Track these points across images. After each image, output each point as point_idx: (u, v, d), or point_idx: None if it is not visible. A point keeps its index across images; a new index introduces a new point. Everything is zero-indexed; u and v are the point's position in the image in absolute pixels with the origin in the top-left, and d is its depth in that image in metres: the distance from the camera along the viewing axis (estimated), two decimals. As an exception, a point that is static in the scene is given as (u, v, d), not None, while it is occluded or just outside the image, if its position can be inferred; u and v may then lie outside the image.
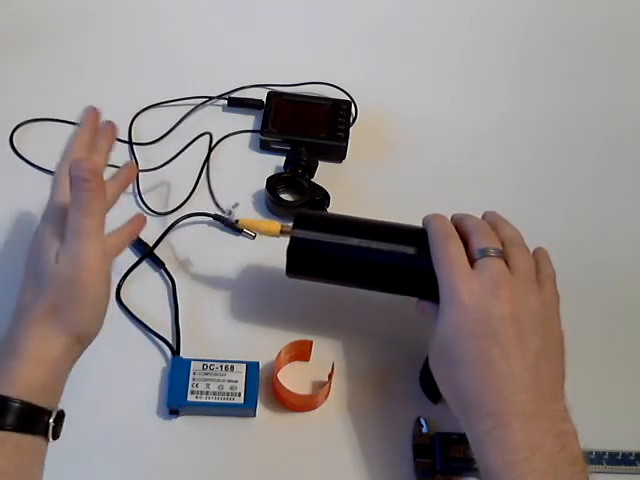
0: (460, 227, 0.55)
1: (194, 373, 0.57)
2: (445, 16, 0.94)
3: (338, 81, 0.80)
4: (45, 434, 0.47)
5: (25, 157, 0.72)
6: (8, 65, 0.81)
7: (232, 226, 0.68)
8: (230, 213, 0.69)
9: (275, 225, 0.58)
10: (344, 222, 0.58)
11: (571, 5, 0.96)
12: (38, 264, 0.50)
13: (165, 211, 0.69)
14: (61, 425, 0.49)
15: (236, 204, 0.70)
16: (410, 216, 0.57)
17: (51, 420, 0.47)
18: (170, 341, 0.61)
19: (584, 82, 0.88)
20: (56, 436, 0.48)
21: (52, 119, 0.75)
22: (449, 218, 0.56)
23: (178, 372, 0.57)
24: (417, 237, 0.55)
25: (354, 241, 0.56)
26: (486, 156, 0.79)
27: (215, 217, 0.68)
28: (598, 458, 0.57)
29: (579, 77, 0.88)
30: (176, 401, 0.56)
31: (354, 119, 0.78)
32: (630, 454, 0.57)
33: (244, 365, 0.58)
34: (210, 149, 0.75)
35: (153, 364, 0.60)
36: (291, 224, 0.57)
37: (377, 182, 0.75)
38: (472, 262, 0.52)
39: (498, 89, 0.86)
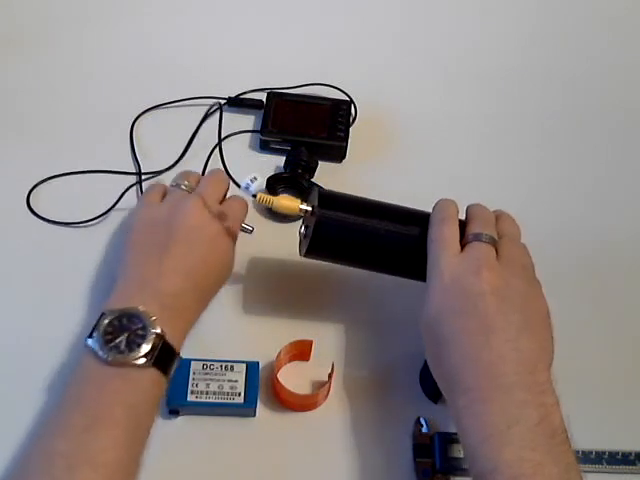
0: (467, 214, 0.57)
1: (194, 373, 0.57)
2: (445, 16, 0.94)
3: (338, 81, 0.80)
4: (169, 374, 0.52)
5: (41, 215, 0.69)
6: (8, 65, 0.81)
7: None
8: (247, 187, 0.64)
9: (295, 202, 0.57)
10: (366, 204, 0.58)
11: (572, 5, 0.96)
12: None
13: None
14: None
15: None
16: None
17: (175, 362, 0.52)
18: None
19: (584, 82, 0.88)
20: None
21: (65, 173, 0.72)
22: (455, 202, 0.58)
23: (178, 372, 0.56)
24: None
25: (376, 223, 0.56)
26: (486, 156, 0.79)
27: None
28: (598, 458, 0.57)
29: (579, 77, 0.88)
30: (176, 401, 0.56)
31: (354, 119, 0.78)
32: (630, 454, 0.57)
33: (244, 365, 0.58)
34: (212, 149, 0.75)
35: None
36: (309, 203, 0.57)
37: (377, 182, 0.74)
38: (464, 246, 0.54)
39: (498, 89, 0.86)
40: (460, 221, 0.56)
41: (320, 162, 0.73)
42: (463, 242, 0.54)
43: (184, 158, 0.74)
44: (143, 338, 0.49)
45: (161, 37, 0.86)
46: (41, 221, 0.68)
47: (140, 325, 0.50)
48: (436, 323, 0.51)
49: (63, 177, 0.71)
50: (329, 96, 0.78)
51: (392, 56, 0.88)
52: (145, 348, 0.49)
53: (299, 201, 0.57)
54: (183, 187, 0.62)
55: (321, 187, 0.62)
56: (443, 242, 0.54)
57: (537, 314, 0.52)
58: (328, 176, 0.73)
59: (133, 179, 0.72)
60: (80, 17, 0.87)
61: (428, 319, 0.52)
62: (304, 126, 0.76)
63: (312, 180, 0.72)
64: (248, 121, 0.79)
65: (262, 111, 0.77)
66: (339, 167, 0.76)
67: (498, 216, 0.57)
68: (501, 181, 0.76)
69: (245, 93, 0.80)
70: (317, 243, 0.56)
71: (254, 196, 0.57)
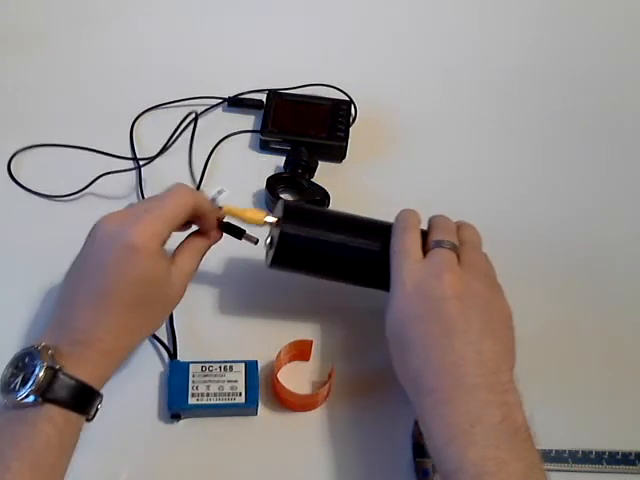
0: (429, 224, 0.58)
1: (193, 376, 0.57)
2: (445, 16, 0.94)
3: (338, 81, 0.80)
4: (89, 414, 0.49)
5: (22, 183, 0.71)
6: (8, 65, 0.81)
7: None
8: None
9: (260, 214, 0.58)
10: (330, 216, 0.60)
11: (572, 5, 0.96)
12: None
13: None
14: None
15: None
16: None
17: (99, 404, 0.49)
18: (167, 344, 0.60)
19: (584, 81, 0.88)
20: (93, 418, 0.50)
21: (50, 144, 0.74)
22: (417, 213, 0.58)
23: (177, 376, 0.57)
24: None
25: (340, 235, 0.57)
26: (486, 155, 0.79)
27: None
28: (598, 458, 0.57)
29: (580, 77, 0.88)
30: (177, 405, 0.56)
31: (354, 119, 0.78)
32: (630, 454, 0.57)
33: (243, 364, 0.58)
34: (211, 149, 0.75)
35: (150, 369, 0.59)
36: (274, 215, 0.58)
37: (377, 182, 0.75)
38: (426, 253, 0.54)
39: (498, 89, 0.86)
40: (422, 231, 0.57)
41: (320, 162, 0.73)
42: (425, 249, 0.55)
43: (182, 155, 0.74)
44: (32, 374, 0.46)
45: (161, 37, 0.86)
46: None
47: (34, 362, 0.47)
48: (400, 329, 0.52)
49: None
50: (329, 96, 0.78)
51: (392, 56, 0.88)
52: (34, 385, 0.46)
53: (265, 213, 0.58)
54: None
55: (287, 200, 0.64)
56: (405, 250, 0.55)
57: (499, 317, 0.52)
58: (328, 176, 0.73)
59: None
60: (80, 17, 0.87)
61: (392, 326, 0.53)
62: (304, 126, 0.76)
63: (312, 180, 0.72)
64: (248, 121, 0.79)
65: (262, 111, 0.77)
66: (339, 167, 0.76)
67: (460, 225, 0.58)
68: (501, 181, 0.76)
69: (245, 93, 0.80)
70: (281, 255, 0.57)
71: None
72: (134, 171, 0.72)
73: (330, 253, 0.58)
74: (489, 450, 0.45)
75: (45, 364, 0.46)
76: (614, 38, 0.94)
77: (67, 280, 0.53)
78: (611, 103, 0.85)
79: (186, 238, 0.57)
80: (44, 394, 0.46)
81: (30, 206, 0.69)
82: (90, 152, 0.72)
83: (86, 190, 0.69)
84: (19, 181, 0.71)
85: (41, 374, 0.46)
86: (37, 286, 0.63)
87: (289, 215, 0.57)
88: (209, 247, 0.58)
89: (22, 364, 0.47)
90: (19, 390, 0.46)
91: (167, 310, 0.57)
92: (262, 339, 0.61)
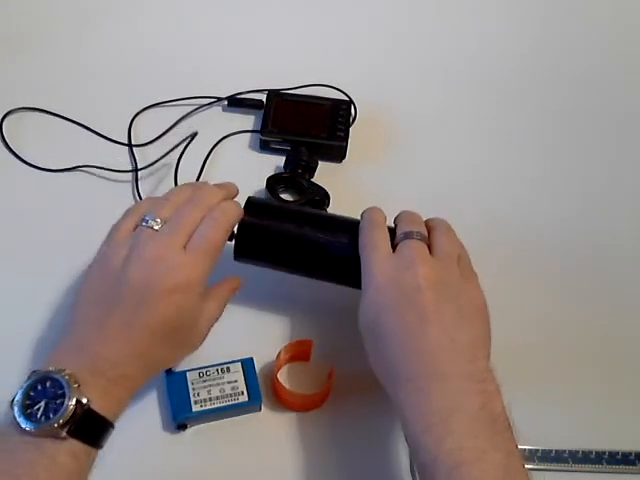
0: (395, 219, 0.58)
1: (192, 383, 0.57)
2: (445, 16, 0.94)
3: (338, 81, 0.79)
4: (103, 446, 0.47)
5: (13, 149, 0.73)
6: (8, 65, 0.81)
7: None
8: None
9: None
10: (294, 211, 0.61)
11: (572, 4, 0.96)
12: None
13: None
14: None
15: None
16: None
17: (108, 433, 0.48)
18: None
19: (584, 82, 0.88)
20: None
21: (44, 110, 0.76)
22: (382, 210, 0.58)
23: (176, 386, 0.56)
24: (356, 228, 0.57)
25: (298, 230, 0.58)
26: (486, 155, 0.79)
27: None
28: (598, 458, 0.57)
29: (580, 77, 0.88)
30: (182, 415, 0.56)
31: (354, 119, 0.78)
32: (630, 454, 0.57)
33: (239, 364, 0.58)
34: (210, 149, 0.75)
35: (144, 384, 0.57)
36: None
37: (377, 182, 0.75)
38: (396, 246, 0.54)
39: (498, 89, 0.86)
40: (389, 227, 0.57)
41: (320, 162, 0.73)
42: (395, 243, 0.54)
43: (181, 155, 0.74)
44: (61, 406, 0.44)
45: (161, 36, 0.86)
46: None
47: (61, 392, 0.45)
48: (374, 322, 0.52)
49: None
50: (329, 96, 0.78)
51: (392, 56, 0.88)
52: (62, 418, 0.44)
53: None
54: (151, 223, 0.51)
55: (258, 197, 0.64)
56: (373, 245, 0.54)
57: (472, 305, 0.52)
58: (328, 176, 0.73)
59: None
60: (80, 16, 0.87)
61: (366, 318, 0.53)
62: (304, 126, 0.75)
63: (312, 180, 0.72)
64: (248, 121, 0.79)
65: (262, 111, 0.77)
66: (339, 167, 0.76)
67: (428, 218, 0.58)
68: (500, 181, 0.76)
69: (245, 93, 0.80)
70: (241, 247, 0.58)
71: None
72: (130, 173, 0.72)
73: (291, 246, 0.58)
74: (467, 439, 0.45)
75: (74, 397, 0.45)
76: (614, 38, 0.94)
77: (96, 297, 0.50)
78: (611, 103, 0.85)
79: (216, 283, 0.56)
80: (71, 428, 0.44)
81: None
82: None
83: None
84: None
85: (70, 407, 0.44)
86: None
87: (250, 209, 0.58)
88: (234, 293, 0.57)
89: (42, 388, 0.45)
90: (44, 419, 0.44)
91: (184, 354, 0.55)
92: (262, 339, 0.61)
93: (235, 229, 0.57)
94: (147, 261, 0.49)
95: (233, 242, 0.58)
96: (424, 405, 0.47)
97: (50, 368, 0.46)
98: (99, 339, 0.48)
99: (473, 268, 0.55)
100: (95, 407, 0.46)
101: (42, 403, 0.45)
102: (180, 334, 0.51)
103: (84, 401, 0.45)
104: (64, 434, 0.44)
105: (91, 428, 0.46)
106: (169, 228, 0.51)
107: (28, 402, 0.45)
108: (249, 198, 0.60)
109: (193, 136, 0.71)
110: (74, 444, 0.45)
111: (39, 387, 0.46)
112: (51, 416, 0.44)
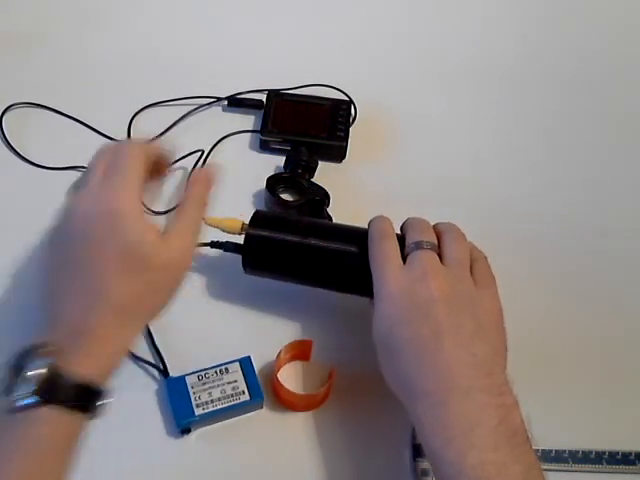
0: (403, 227, 0.57)
1: (192, 387, 0.56)
2: (444, 16, 0.94)
3: (338, 81, 0.80)
4: (93, 413, 0.46)
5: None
6: (8, 64, 0.81)
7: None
8: None
9: (237, 222, 0.59)
10: (300, 222, 0.60)
11: (573, 5, 0.96)
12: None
13: (165, 210, 0.69)
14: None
15: None
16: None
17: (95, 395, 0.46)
18: (154, 363, 0.59)
19: (584, 82, 0.88)
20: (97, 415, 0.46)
21: (44, 106, 0.76)
22: (389, 220, 0.57)
23: (176, 391, 0.56)
24: (364, 238, 0.57)
25: (309, 240, 0.58)
26: (486, 155, 0.79)
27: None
28: (598, 458, 0.57)
29: (580, 77, 0.89)
30: (185, 419, 0.55)
31: (354, 119, 0.78)
32: (630, 454, 0.57)
33: (237, 364, 0.58)
34: (210, 149, 0.75)
35: (142, 392, 0.58)
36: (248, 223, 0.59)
37: (377, 182, 0.75)
38: (407, 256, 0.53)
39: (498, 89, 0.86)
40: (398, 236, 0.56)
41: (320, 162, 0.73)
42: (405, 253, 0.54)
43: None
44: (31, 374, 0.43)
45: (161, 36, 0.86)
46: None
47: (32, 361, 0.44)
48: (388, 336, 0.51)
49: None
50: (329, 96, 0.78)
51: (392, 56, 0.88)
52: (32, 385, 0.43)
53: (241, 222, 0.59)
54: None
55: (265, 210, 0.65)
56: (384, 257, 0.54)
57: (488, 316, 0.52)
58: (328, 176, 0.73)
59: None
60: (80, 16, 0.87)
61: (380, 333, 0.52)
62: (304, 126, 0.75)
63: (312, 180, 0.72)
64: (248, 121, 0.79)
65: (262, 111, 0.77)
66: (339, 167, 0.76)
67: (435, 223, 0.57)
68: (500, 181, 0.76)
69: (245, 93, 0.80)
70: (249, 260, 0.59)
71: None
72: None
73: (297, 256, 0.58)
74: (488, 453, 0.45)
75: (44, 362, 0.43)
76: (614, 38, 0.94)
77: (51, 272, 0.49)
78: (611, 103, 0.85)
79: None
80: (45, 395, 0.43)
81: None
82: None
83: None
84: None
85: (41, 373, 0.43)
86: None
87: (256, 221, 0.59)
88: (200, 199, 0.53)
89: (19, 364, 0.44)
90: (16, 391, 0.43)
91: (170, 279, 0.51)
92: (261, 339, 0.61)
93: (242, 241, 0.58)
94: (81, 214, 0.48)
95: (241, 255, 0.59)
96: (444, 418, 0.47)
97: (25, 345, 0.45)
98: (62, 304, 0.47)
99: (491, 271, 0.55)
100: (71, 368, 0.44)
101: (17, 378, 0.43)
102: (143, 257, 0.47)
103: (56, 364, 0.44)
104: (40, 401, 0.43)
105: (69, 392, 0.44)
106: (90, 184, 0.49)
107: (6, 381, 0.44)
108: (256, 211, 0.60)
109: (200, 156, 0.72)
110: (51, 410, 0.43)
111: (16, 364, 0.44)
112: (25, 386, 0.43)
